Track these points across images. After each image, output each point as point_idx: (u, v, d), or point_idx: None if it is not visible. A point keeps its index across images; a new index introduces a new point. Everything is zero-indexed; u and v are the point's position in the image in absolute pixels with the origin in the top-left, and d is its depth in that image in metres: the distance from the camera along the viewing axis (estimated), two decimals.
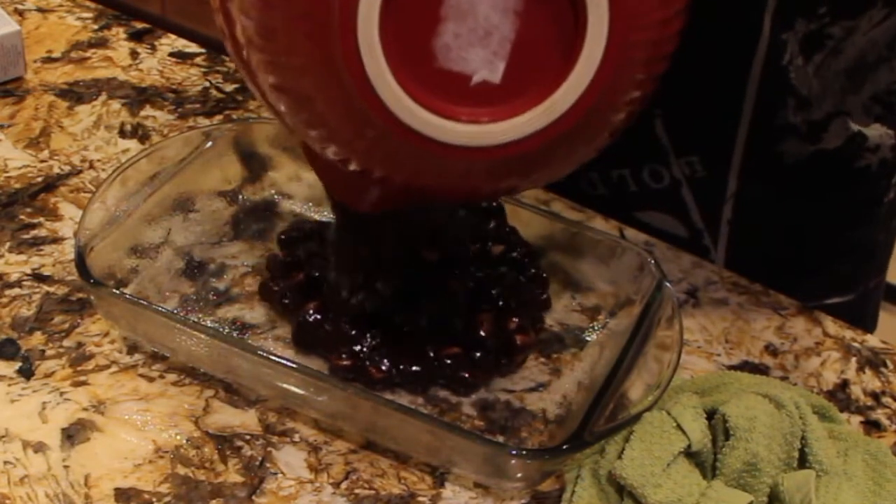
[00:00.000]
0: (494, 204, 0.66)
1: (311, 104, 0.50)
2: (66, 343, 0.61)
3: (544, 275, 0.66)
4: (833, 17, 0.68)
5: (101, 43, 0.89)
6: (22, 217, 0.70)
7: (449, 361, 0.60)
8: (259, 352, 0.56)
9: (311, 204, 0.71)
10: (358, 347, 0.60)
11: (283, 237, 0.67)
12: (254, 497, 0.54)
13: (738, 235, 0.79)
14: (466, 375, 0.60)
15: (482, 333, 0.61)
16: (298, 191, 0.72)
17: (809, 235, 0.80)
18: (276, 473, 0.56)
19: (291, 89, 0.50)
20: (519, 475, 0.55)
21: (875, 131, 0.75)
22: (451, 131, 0.49)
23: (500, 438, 0.59)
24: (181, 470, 0.55)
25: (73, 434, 0.56)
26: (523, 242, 0.66)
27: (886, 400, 0.65)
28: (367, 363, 0.59)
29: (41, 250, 0.67)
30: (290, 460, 0.57)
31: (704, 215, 0.79)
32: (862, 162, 0.77)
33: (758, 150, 0.75)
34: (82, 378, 0.59)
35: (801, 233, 0.80)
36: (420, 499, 0.56)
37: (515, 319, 0.62)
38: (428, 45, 0.47)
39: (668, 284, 0.61)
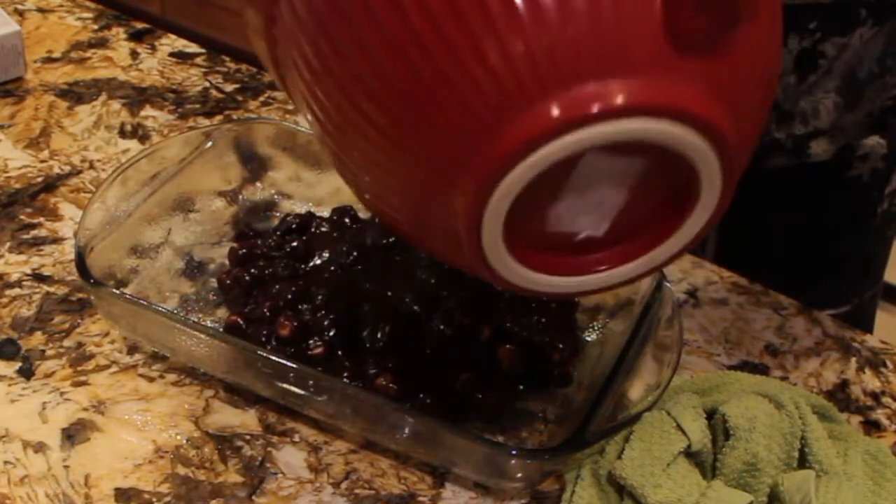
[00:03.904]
0: None
1: (400, 215, 0.48)
2: (66, 343, 0.61)
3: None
4: (824, 34, 0.68)
5: (101, 43, 0.89)
6: (22, 217, 0.70)
7: (462, 390, 0.59)
8: (259, 352, 0.56)
9: (311, 204, 0.71)
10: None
11: (236, 230, 0.68)
12: (254, 497, 0.54)
13: (728, 248, 0.79)
14: (481, 397, 0.59)
15: (504, 366, 0.60)
16: (298, 191, 0.72)
17: (802, 247, 0.80)
18: (276, 473, 0.56)
19: (379, 199, 0.48)
20: (519, 475, 0.55)
21: (867, 141, 0.76)
22: (549, 284, 0.48)
23: (500, 438, 0.59)
24: (181, 470, 0.55)
25: (73, 434, 0.56)
26: None
27: (886, 400, 0.65)
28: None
29: (41, 250, 0.67)
30: (290, 460, 0.57)
31: None
32: (853, 172, 0.76)
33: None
34: (82, 378, 0.59)
35: (794, 244, 0.80)
36: (420, 499, 0.56)
37: (558, 346, 0.62)
38: (541, 216, 0.46)
39: (668, 284, 0.61)
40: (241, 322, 0.60)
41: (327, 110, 0.46)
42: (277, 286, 0.62)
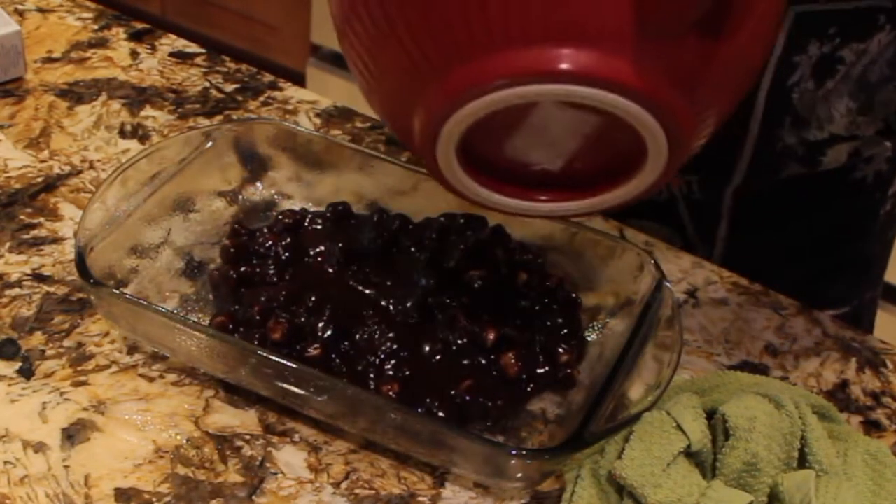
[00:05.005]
0: (490, 231, 0.66)
1: (383, 113, 0.54)
2: (66, 343, 0.61)
3: (574, 295, 0.65)
4: (844, 39, 0.68)
5: (101, 43, 0.89)
6: (22, 217, 0.70)
7: (468, 397, 0.58)
8: (259, 352, 0.56)
9: (311, 204, 0.71)
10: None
11: (229, 227, 0.68)
12: (254, 497, 0.54)
13: (733, 251, 0.79)
14: (489, 404, 0.59)
15: (510, 372, 0.60)
16: (298, 191, 0.72)
17: (806, 249, 0.80)
18: (276, 473, 0.56)
19: (369, 97, 0.53)
20: (519, 475, 0.55)
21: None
22: (494, 201, 0.53)
23: (500, 438, 0.59)
24: (181, 470, 0.55)
25: (73, 434, 0.56)
26: (538, 263, 0.66)
27: (886, 400, 0.65)
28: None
29: (41, 250, 0.67)
30: (290, 460, 0.57)
31: (700, 230, 0.79)
32: (857, 174, 0.76)
33: (758, 173, 0.75)
34: (82, 378, 0.59)
35: (798, 246, 0.80)
36: (420, 499, 0.56)
37: (564, 348, 0.62)
38: (499, 143, 0.50)
39: (668, 284, 0.61)
40: (228, 322, 0.60)
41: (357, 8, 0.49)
42: (268, 289, 0.62)
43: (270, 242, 0.65)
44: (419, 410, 0.57)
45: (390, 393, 0.57)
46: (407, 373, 0.58)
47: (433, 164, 0.50)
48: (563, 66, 0.44)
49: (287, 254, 0.65)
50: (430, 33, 0.46)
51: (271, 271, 0.63)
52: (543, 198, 0.52)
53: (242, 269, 0.64)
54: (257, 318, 0.60)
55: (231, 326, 0.60)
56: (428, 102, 0.47)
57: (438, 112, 0.47)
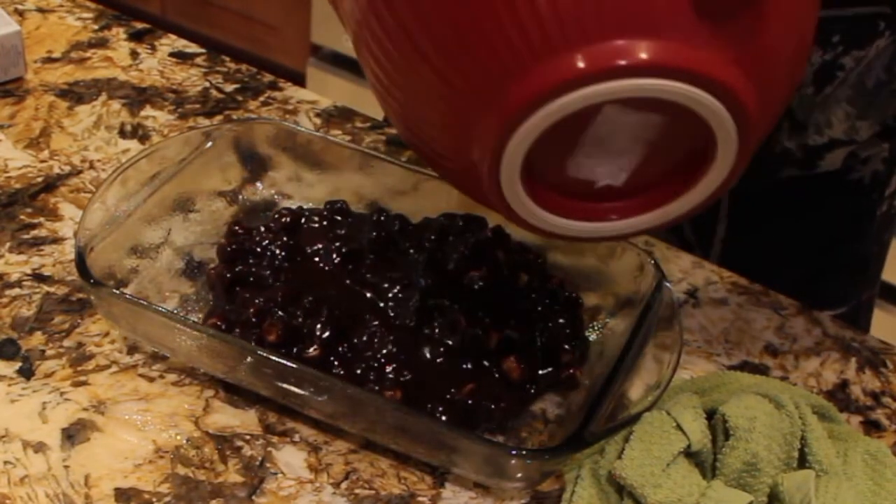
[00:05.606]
0: (491, 232, 0.66)
1: (429, 146, 0.51)
2: (66, 343, 0.61)
3: (575, 295, 0.65)
4: (846, 47, 0.68)
5: (101, 43, 0.89)
6: (22, 217, 0.70)
7: (470, 401, 0.58)
8: (259, 352, 0.56)
9: (311, 204, 0.71)
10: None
11: (227, 226, 0.68)
12: (254, 497, 0.54)
13: (730, 252, 0.79)
14: (493, 407, 0.58)
15: (514, 376, 0.60)
16: (298, 191, 0.72)
17: (803, 250, 0.80)
18: (276, 473, 0.56)
19: (418, 144, 0.51)
20: (519, 475, 0.55)
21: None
22: (562, 226, 0.51)
23: (500, 438, 0.59)
24: (181, 470, 0.55)
25: (73, 434, 0.56)
26: (539, 264, 0.66)
27: (886, 400, 0.65)
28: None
29: (41, 250, 0.67)
30: (290, 460, 0.57)
31: (697, 231, 0.79)
32: (854, 175, 0.76)
33: (757, 175, 0.75)
34: (82, 378, 0.59)
35: (795, 247, 0.80)
36: (420, 499, 0.56)
37: (567, 349, 0.61)
38: (561, 161, 0.48)
39: (668, 284, 0.61)
40: (222, 322, 0.60)
41: (375, 31, 0.47)
42: (264, 290, 0.62)
43: (267, 241, 0.65)
44: (418, 410, 0.57)
45: (389, 394, 0.57)
46: (408, 377, 0.58)
47: (496, 191, 0.48)
48: (623, 61, 0.43)
49: (283, 253, 0.64)
50: (474, 51, 0.44)
51: (267, 272, 0.63)
52: (614, 217, 0.51)
53: (238, 268, 0.63)
54: (253, 319, 0.60)
55: (224, 327, 0.60)
56: (485, 125, 0.45)
57: (510, 118, 0.45)
